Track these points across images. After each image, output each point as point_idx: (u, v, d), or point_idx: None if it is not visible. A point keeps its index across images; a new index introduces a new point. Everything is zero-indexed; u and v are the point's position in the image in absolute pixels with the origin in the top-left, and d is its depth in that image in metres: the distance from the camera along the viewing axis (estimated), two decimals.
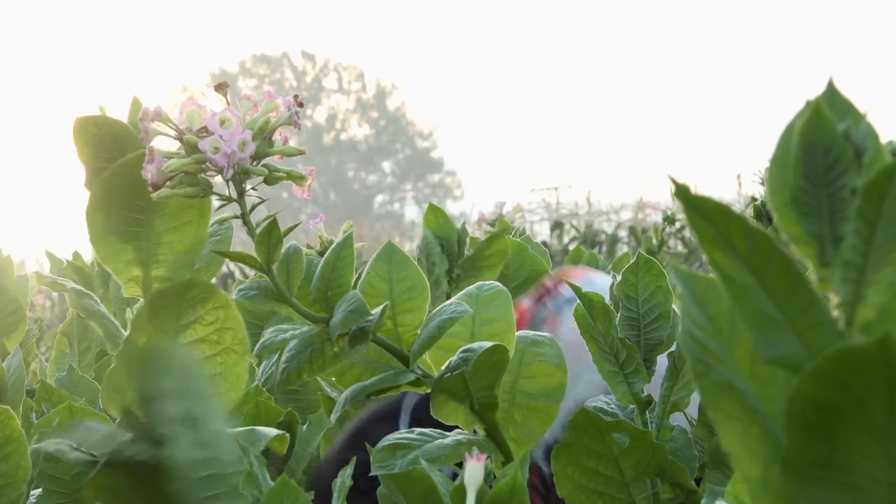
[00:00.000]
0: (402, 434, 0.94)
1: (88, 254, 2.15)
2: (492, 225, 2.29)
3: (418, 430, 0.96)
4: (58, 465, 1.33)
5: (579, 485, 1.19)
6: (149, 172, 0.92)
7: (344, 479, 0.95)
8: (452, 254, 1.87)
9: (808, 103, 0.50)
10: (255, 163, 0.92)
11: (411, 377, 0.94)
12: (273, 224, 0.91)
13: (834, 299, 0.48)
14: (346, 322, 0.89)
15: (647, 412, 1.30)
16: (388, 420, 1.32)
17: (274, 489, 1.06)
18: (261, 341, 0.92)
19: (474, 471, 0.82)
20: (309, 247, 1.50)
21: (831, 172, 0.49)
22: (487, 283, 1.04)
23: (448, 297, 1.84)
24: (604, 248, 8.17)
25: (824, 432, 0.43)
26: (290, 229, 0.94)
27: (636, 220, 10.77)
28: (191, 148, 0.90)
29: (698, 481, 1.31)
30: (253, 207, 0.94)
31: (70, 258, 2.13)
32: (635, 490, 1.21)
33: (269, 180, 0.93)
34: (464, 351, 0.93)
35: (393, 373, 0.94)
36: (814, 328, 0.46)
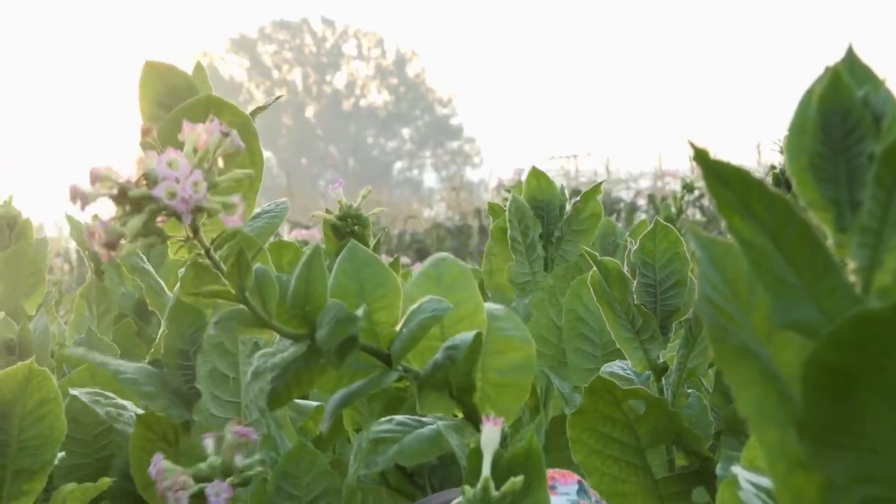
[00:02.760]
0: (383, 426, 0.93)
1: None
2: (510, 192, 2.29)
3: (397, 419, 0.95)
4: (79, 425, 1.34)
5: (594, 451, 1.19)
6: (99, 237, 0.84)
7: (361, 443, 0.95)
8: (553, 217, 1.85)
9: (828, 69, 0.50)
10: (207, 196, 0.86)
11: (395, 376, 0.92)
12: (240, 252, 0.87)
13: (851, 264, 0.48)
14: (336, 334, 0.87)
15: (662, 379, 1.30)
16: None
17: (291, 451, 1.07)
18: (251, 369, 0.90)
19: (490, 434, 0.83)
20: (328, 212, 1.50)
21: (850, 138, 0.49)
22: (444, 259, 1.00)
23: (546, 262, 1.83)
24: (622, 216, 8.16)
25: (840, 397, 0.43)
26: (255, 253, 0.90)
27: (655, 188, 10.75)
28: (142, 201, 0.84)
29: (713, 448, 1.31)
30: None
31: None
32: (651, 456, 1.21)
33: (212, 213, 0.87)
34: (448, 348, 0.92)
35: (377, 375, 0.92)
36: (831, 293, 0.46)
